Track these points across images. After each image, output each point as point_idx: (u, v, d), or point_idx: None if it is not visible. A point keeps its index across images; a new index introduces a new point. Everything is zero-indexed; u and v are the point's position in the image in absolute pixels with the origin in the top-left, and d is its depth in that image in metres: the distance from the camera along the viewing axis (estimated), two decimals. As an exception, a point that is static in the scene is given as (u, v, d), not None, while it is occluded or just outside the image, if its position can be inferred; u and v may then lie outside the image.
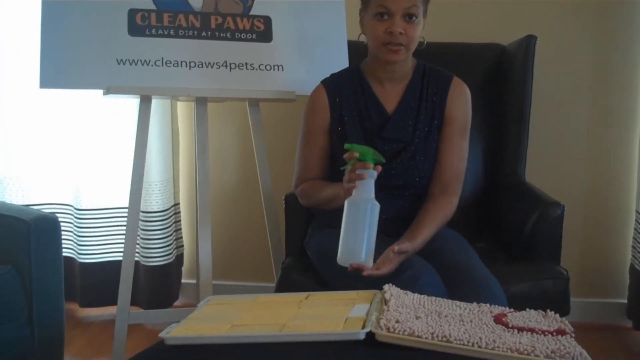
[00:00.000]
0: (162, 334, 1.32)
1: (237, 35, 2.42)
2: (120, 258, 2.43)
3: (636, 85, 2.77)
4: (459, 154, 1.99)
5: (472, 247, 1.96)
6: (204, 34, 2.39)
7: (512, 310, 1.43)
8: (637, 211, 2.76)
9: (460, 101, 1.99)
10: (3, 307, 1.92)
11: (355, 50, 2.28)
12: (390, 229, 1.91)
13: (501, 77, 2.51)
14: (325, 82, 2.03)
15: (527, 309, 1.43)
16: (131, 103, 2.85)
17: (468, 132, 2.01)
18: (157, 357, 1.29)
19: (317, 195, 1.99)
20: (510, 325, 1.32)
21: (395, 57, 1.89)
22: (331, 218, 2.05)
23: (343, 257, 1.66)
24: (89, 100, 2.91)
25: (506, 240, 2.26)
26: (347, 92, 1.99)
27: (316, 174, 2.04)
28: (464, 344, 1.22)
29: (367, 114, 1.97)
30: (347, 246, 1.67)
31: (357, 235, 1.66)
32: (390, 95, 1.99)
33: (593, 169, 2.85)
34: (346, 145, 1.71)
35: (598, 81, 2.80)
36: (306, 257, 2.08)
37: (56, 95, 2.91)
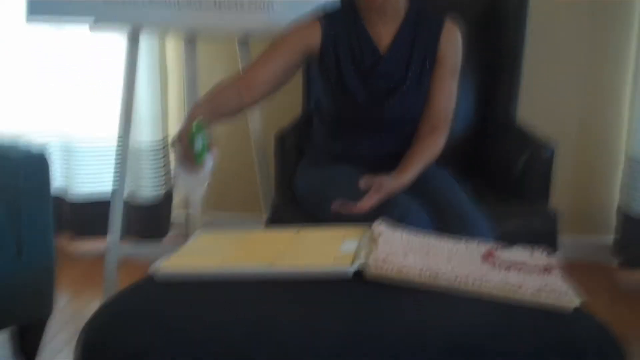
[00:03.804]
0: (151, 268, 1.33)
1: (228, -29, 2.38)
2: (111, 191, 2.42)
3: (630, 26, 2.75)
4: (448, 95, 1.98)
5: (461, 186, 1.96)
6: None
7: (500, 247, 1.43)
8: (625, 153, 2.77)
9: (452, 42, 1.98)
10: (-8, 241, 1.92)
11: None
12: (379, 167, 1.91)
13: (496, 16, 2.48)
14: (319, 17, 1.99)
15: (515, 247, 1.43)
16: (120, 42, 2.80)
17: (458, 73, 2.00)
18: (146, 291, 1.30)
19: (210, 96, 1.84)
20: (497, 262, 1.33)
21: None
22: (321, 156, 2.05)
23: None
24: (78, 38, 2.87)
25: (496, 180, 2.27)
26: (341, 28, 1.97)
27: (256, 80, 1.90)
28: (451, 281, 1.23)
29: (360, 52, 1.95)
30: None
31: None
32: (383, 35, 1.97)
33: (585, 111, 2.85)
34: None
35: (594, 22, 2.77)
36: (294, 196, 2.08)
37: (44, 32, 2.86)
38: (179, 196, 1.74)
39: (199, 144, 1.56)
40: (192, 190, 1.70)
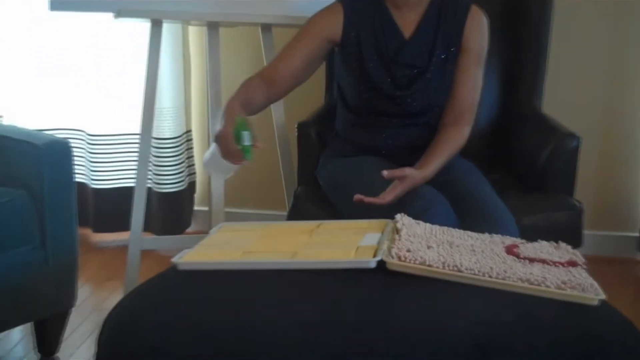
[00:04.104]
0: (174, 259, 1.33)
1: (250, -42, 2.38)
2: (133, 184, 2.44)
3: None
4: (473, 84, 1.96)
5: (485, 178, 1.95)
6: (216, -43, 2.35)
7: (523, 241, 1.43)
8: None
9: (478, 29, 1.96)
10: (16, 231, 1.94)
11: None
12: (402, 158, 1.90)
13: (521, 4, 2.46)
14: (342, 1, 1.98)
15: (539, 240, 1.42)
16: (143, 29, 2.82)
17: (484, 61, 1.98)
18: (169, 282, 1.30)
19: (239, 92, 1.86)
20: (521, 256, 1.32)
21: None
22: (344, 146, 2.05)
23: (206, 167, 1.81)
24: (99, 25, 2.88)
25: (520, 171, 2.26)
26: (364, 13, 1.96)
27: (281, 73, 1.93)
28: (474, 274, 1.22)
29: (384, 38, 1.94)
30: (209, 165, 1.78)
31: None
32: (407, 20, 1.96)
33: (610, 103, 2.82)
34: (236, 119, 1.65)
35: (619, 12, 2.74)
36: (318, 187, 2.08)
37: (66, 19, 2.88)
38: (204, 181, 1.76)
39: (247, 140, 1.61)
40: (222, 174, 1.77)
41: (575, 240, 1.94)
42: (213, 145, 1.70)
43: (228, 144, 1.61)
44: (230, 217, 2.57)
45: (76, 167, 2.92)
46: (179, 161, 2.99)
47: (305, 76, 1.97)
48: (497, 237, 1.44)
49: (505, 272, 1.22)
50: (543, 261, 1.30)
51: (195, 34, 3.01)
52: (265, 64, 2.45)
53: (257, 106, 1.88)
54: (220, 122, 1.67)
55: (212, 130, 2.38)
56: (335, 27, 1.95)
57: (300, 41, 1.94)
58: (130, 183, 3.00)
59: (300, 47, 1.94)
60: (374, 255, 1.28)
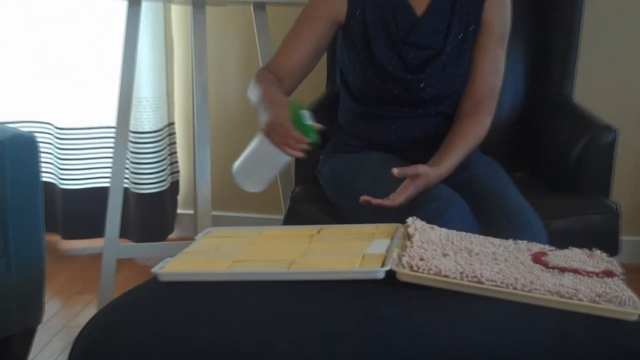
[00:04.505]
0: (154, 270, 1.33)
1: None
2: (108, 184, 2.44)
3: None
4: (494, 67, 1.97)
5: (509, 175, 1.96)
6: None
7: (553, 248, 1.43)
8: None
9: (500, 5, 1.96)
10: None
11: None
12: (414, 153, 1.91)
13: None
14: None
15: (571, 247, 1.42)
16: (120, 8, 2.82)
17: (506, 42, 1.98)
18: (149, 295, 1.30)
19: (253, 89, 1.87)
20: (550, 265, 1.32)
21: None
22: (348, 140, 2.05)
23: (238, 175, 1.77)
24: (70, 5, 2.88)
25: (549, 168, 2.26)
26: None
27: (288, 67, 1.95)
28: (497, 285, 1.22)
29: (392, 16, 1.94)
30: (243, 171, 1.76)
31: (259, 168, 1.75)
32: (420, -5, 1.96)
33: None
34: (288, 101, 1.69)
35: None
36: (318, 186, 2.08)
37: (34, 1, 2.88)
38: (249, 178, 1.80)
39: (308, 119, 1.66)
40: (253, 185, 1.78)
41: (611, 246, 1.94)
42: (251, 147, 1.72)
43: (288, 130, 1.62)
44: (218, 222, 2.58)
45: (43, 165, 2.92)
46: (160, 158, 2.99)
47: (315, 62, 1.99)
48: (522, 244, 1.44)
49: (531, 283, 1.22)
50: (575, 271, 1.30)
51: (179, 14, 3.01)
52: (258, 47, 2.46)
53: None
54: (265, 113, 1.68)
55: (198, 122, 2.38)
56: (338, 6, 1.95)
57: (302, 29, 1.95)
58: (104, 183, 3.01)
59: (304, 37, 1.94)
60: (383, 265, 1.28)
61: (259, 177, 1.77)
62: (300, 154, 1.64)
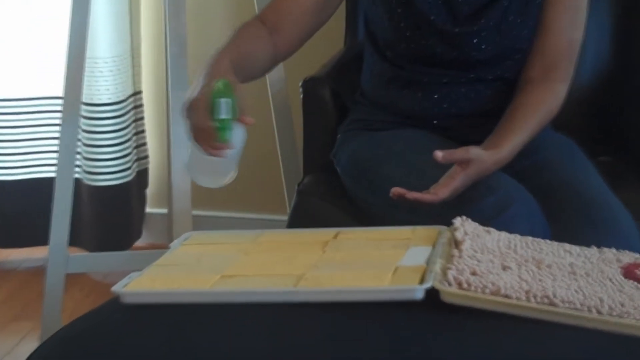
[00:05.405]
0: (115, 288, 1.33)
1: None
2: (53, 174, 2.44)
3: None
4: (572, 19, 1.97)
5: (590, 162, 1.96)
6: None
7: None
8: None
9: None
10: None
11: None
12: (464, 131, 1.91)
13: None
14: None
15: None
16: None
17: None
18: (108, 323, 1.30)
19: (232, 43, 1.86)
20: (647, 282, 1.32)
21: None
22: (374, 115, 2.05)
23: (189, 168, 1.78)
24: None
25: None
26: None
27: (291, 14, 1.94)
28: (575, 308, 1.22)
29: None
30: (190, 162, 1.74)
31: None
32: None
33: None
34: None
35: None
36: (335, 176, 2.09)
37: None
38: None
39: (224, 112, 1.58)
40: (211, 179, 1.74)
41: None
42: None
43: (199, 119, 1.59)
44: (200, 224, 2.58)
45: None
46: (123, 139, 3.00)
47: (326, 16, 1.99)
48: (609, 252, 1.43)
49: (622, 305, 1.22)
50: (680, 289, 1.30)
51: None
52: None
53: (258, 65, 1.89)
54: (193, 86, 1.66)
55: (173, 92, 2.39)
56: None
57: None
58: (48, 172, 3.01)
59: None
60: (421, 281, 1.28)
61: (204, 171, 1.75)
62: (216, 154, 1.60)
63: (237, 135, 1.62)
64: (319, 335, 1.23)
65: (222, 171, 1.71)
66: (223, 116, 1.58)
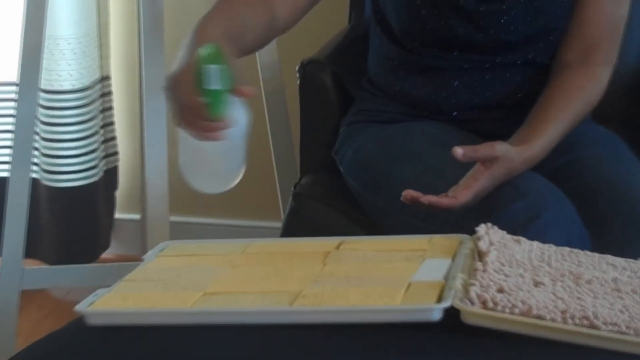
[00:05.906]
0: (80, 307, 1.33)
1: None
2: (6, 173, 2.45)
3: None
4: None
5: (637, 159, 1.96)
6: None
7: None
8: None
9: None
10: None
11: None
12: (488, 124, 1.92)
13: None
14: None
15: None
16: None
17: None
18: (71, 347, 1.30)
19: (218, 9, 1.85)
20: None
21: None
22: (382, 106, 2.05)
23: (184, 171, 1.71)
24: None
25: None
26: None
27: None
28: (620, 331, 1.22)
29: None
30: (187, 164, 1.70)
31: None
32: None
33: None
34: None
35: None
36: (337, 176, 2.09)
37: None
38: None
39: (215, 81, 1.50)
40: (214, 180, 1.72)
41: None
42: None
43: (185, 95, 1.54)
44: (179, 232, 2.58)
45: None
46: (89, 132, 3.00)
47: None
48: (660, 266, 1.43)
49: (675, 327, 1.22)
50: None
51: None
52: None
53: (251, 36, 1.87)
54: (176, 62, 1.65)
55: (147, 78, 2.39)
56: None
57: None
58: (0, 172, 3.01)
59: None
60: (439, 300, 1.28)
61: (211, 168, 1.72)
62: (217, 138, 1.54)
63: (236, 113, 1.55)
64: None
65: (225, 166, 1.69)
66: (214, 86, 1.49)
